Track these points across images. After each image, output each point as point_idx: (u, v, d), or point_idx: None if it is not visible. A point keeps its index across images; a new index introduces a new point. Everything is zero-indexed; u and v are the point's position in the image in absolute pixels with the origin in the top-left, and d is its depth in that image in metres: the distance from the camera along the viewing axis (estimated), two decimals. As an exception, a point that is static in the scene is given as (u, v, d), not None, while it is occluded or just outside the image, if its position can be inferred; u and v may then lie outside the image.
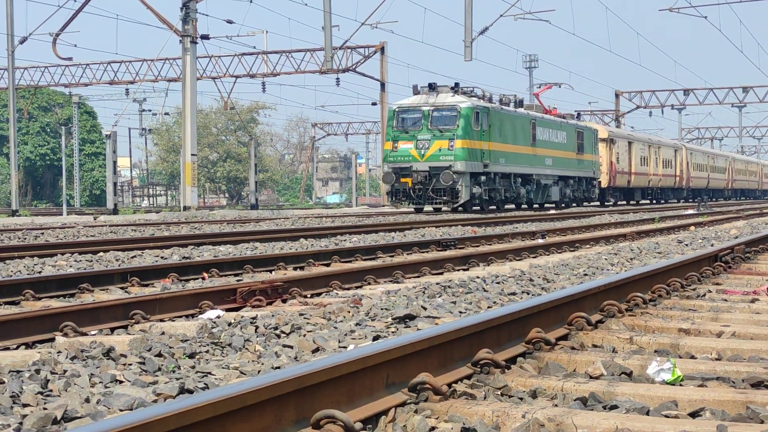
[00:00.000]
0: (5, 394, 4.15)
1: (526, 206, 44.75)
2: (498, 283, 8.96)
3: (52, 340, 6.07)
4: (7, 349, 5.76)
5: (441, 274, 10.88)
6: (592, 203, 51.17)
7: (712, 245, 13.09)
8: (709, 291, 7.84)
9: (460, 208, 36.64)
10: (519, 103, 43.09)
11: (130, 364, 4.97)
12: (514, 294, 8.08)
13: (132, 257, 12.27)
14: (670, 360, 4.44)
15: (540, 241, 16.93)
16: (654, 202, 62.66)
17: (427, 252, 14.23)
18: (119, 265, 10.94)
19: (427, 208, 37.22)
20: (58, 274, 8.99)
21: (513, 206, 43.73)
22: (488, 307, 7.07)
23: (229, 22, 47.45)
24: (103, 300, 7.44)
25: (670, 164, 62.53)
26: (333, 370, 3.24)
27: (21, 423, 3.59)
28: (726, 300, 7.28)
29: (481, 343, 4.32)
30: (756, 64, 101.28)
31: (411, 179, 35.55)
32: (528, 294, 8.06)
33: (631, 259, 12.33)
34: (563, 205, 46.60)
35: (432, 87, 37.25)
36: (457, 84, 38.06)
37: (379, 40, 49.80)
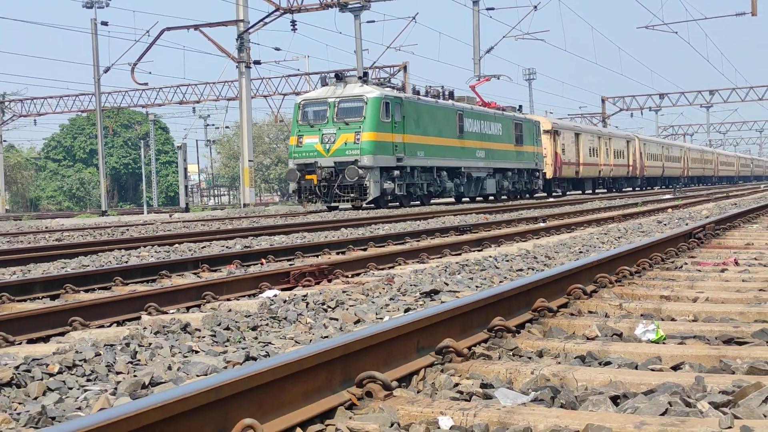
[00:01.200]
0: (102, 364, 4.18)
1: (454, 200, 36.87)
2: (507, 261, 8.93)
3: (139, 318, 6.12)
4: (101, 326, 5.80)
5: (459, 254, 10.86)
6: (535, 195, 42.51)
7: (686, 224, 12.97)
8: (686, 263, 7.79)
9: (372, 205, 29.03)
10: (450, 95, 34.67)
11: (204, 337, 4.98)
12: (521, 270, 8.05)
13: (202, 247, 12.32)
14: (654, 322, 4.43)
15: (542, 224, 16.83)
16: (607, 191, 54.72)
17: (447, 236, 14.21)
18: (192, 255, 10.98)
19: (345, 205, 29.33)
20: (141, 263, 9.05)
21: (444, 200, 36.39)
22: (500, 282, 7.06)
23: (277, 49, 48.23)
24: (179, 284, 7.47)
25: (622, 154, 55.35)
26: (372, 338, 3.25)
27: (116, 388, 3.63)
28: (700, 270, 7.23)
29: (495, 312, 4.32)
30: (720, 70, 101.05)
31: (316, 176, 28.14)
32: (533, 270, 8.03)
33: (619, 237, 12.24)
34: (504, 197, 38.73)
35: (339, 77, 29.64)
36: (365, 73, 30.83)
37: (402, 60, 49.91)
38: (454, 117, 33.41)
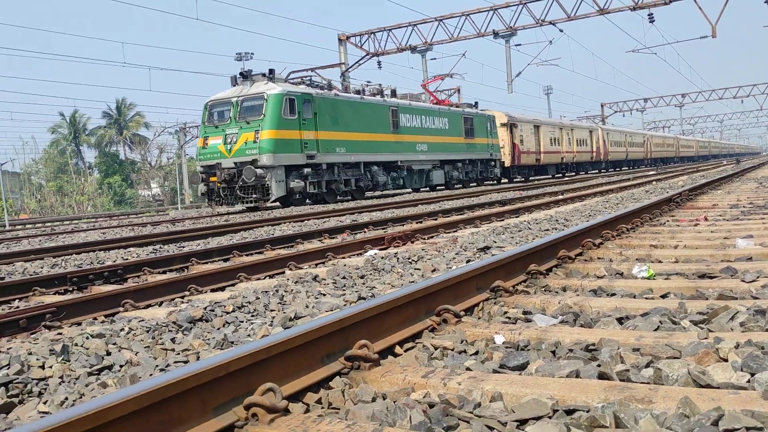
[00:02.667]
0: (260, 304, 4.28)
1: (390, 193, 29.28)
2: (537, 223, 8.80)
3: (283, 272, 6.22)
4: (258, 279, 5.94)
5: (502, 220, 10.73)
6: (492, 181, 34.76)
7: (667, 192, 12.54)
8: (668, 221, 7.54)
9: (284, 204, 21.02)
10: (393, 93, 26.77)
11: (327, 284, 5.03)
12: (548, 230, 7.93)
13: (323, 223, 12.46)
14: (646, 264, 4.31)
15: (560, 196, 16.50)
16: (575, 174, 46.58)
17: (492, 208, 14.06)
18: (316, 228, 11.12)
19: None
20: (283, 235, 9.19)
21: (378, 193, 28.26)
22: (533, 239, 6.97)
23: (368, 82, 47.70)
24: (309, 248, 7.59)
25: (585, 143, 47.17)
26: (446, 282, 3.25)
27: (272, 320, 3.71)
28: (678, 225, 7.00)
29: (530, 260, 4.27)
30: (689, 78, 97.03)
31: (217, 177, 20.33)
32: (556, 229, 7.90)
33: (617, 204, 11.92)
34: (459, 185, 30.68)
35: (245, 75, 21.39)
36: (271, 70, 21.41)
37: (456, 85, 49.38)
38: (387, 113, 25.10)
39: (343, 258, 6.96)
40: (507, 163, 35.22)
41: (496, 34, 32.70)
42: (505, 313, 3.31)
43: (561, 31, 32.72)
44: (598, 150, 50.14)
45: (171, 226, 14.33)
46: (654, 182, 21.77)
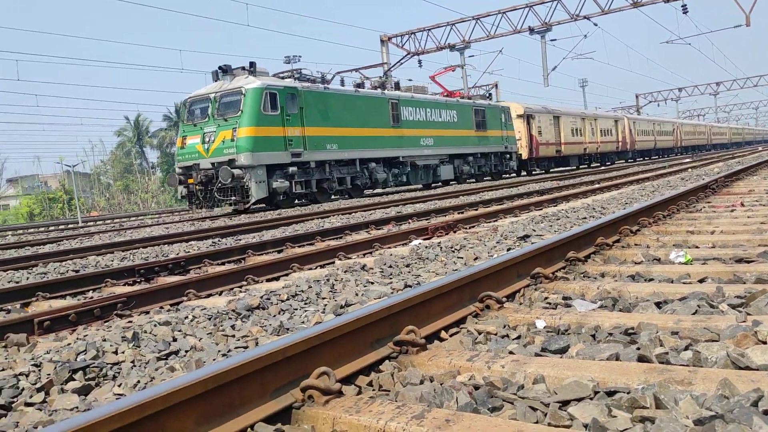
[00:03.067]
0: (312, 293, 4.32)
1: (392, 190, 26.51)
2: (575, 212, 8.66)
3: (333, 262, 6.27)
4: (310, 269, 5.99)
5: (541, 209, 10.60)
6: (510, 175, 31.60)
7: (703, 179, 12.18)
8: (704, 207, 7.33)
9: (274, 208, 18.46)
10: (396, 85, 24.14)
11: (375, 272, 5.04)
12: (585, 218, 7.79)
13: (369, 215, 12.51)
14: (683, 250, 4.21)
15: (597, 185, 16.18)
16: (600, 165, 42.56)
17: (531, 197, 13.89)
18: (363, 219, 11.16)
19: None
20: (332, 227, 9.26)
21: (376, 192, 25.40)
22: (571, 227, 6.86)
23: (409, 80, 47.60)
24: (357, 239, 7.63)
25: (610, 132, 43.39)
26: (488, 269, 3.23)
27: (324, 308, 3.74)
28: (715, 211, 6.80)
29: (569, 248, 4.21)
30: (723, 67, 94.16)
31: (194, 179, 17.83)
32: (593, 217, 7.76)
33: (653, 191, 11.64)
34: (472, 180, 27.98)
35: (225, 70, 18.67)
36: (252, 63, 18.66)
37: (494, 80, 48.82)
38: (386, 106, 22.25)
39: (389, 248, 6.97)
40: (524, 156, 32.31)
41: (532, 31, 32.19)
42: (546, 298, 3.28)
43: (595, 25, 32.04)
44: (624, 139, 46.67)
45: (228, 220, 14.58)
46: (689, 169, 21.17)
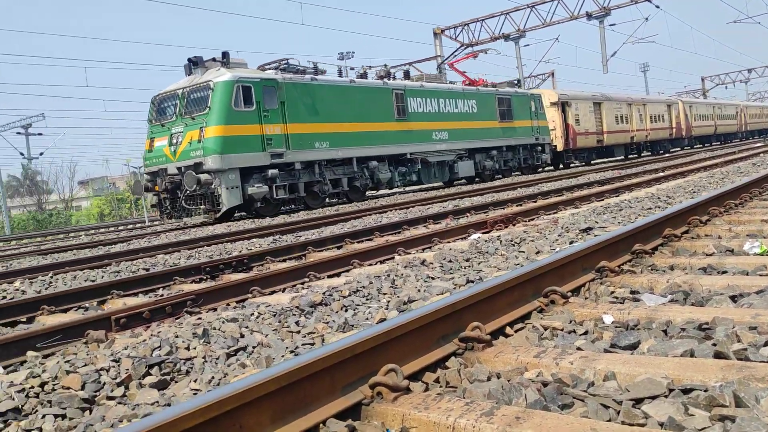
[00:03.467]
0: (373, 288, 4.34)
1: (399, 190, 23.82)
2: (638, 202, 8.42)
3: (393, 257, 6.28)
4: (370, 264, 6.03)
5: (602, 200, 10.35)
6: (543, 169, 28.44)
7: (776, 165, 11.64)
8: (778, 194, 7.01)
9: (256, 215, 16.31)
10: (387, 75, 20.70)
11: (435, 267, 5.02)
12: (650, 208, 7.56)
13: (427, 209, 12.49)
14: (758, 240, 4.04)
15: (661, 173, 15.69)
16: (652, 154, 39.12)
17: (591, 188, 13.58)
18: (421, 214, 11.15)
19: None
20: (390, 222, 9.30)
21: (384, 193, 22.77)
22: (636, 218, 6.68)
23: (463, 72, 47.09)
24: (415, 234, 7.63)
25: (661, 118, 39.12)
26: (551, 264, 3.18)
27: (387, 304, 3.76)
28: (790, 199, 6.50)
29: (635, 240, 4.10)
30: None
31: (159, 186, 15.78)
32: (659, 208, 7.53)
33: (722, 179, 11.20)
34: (498, 176, 24.98)
35: (195, 62, 16.40)
36: (225, 53, 16.28)
37: (550, 69, 47.90)
38: (389, 97, 19.67)
39: (448, 242, 6.95)
40: (559, 147, 29.08)
41: (589, 16, 31.37)
42: (612, 293, 3.21)
43: (657, 7, 30.96)
44: (678, 125, 42.54)
45: (287, 217, 14.82)
46: (761, 154, 20.26)
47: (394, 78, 20.90)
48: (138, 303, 4.54)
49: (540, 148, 27.03)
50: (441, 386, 2.16)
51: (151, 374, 2.91)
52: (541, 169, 28.00)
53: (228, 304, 4.70)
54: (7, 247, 18.26)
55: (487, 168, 23.82)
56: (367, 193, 19.88)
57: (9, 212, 39.81)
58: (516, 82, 27.94)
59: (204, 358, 3.10)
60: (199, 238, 10.22)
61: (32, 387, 2.72)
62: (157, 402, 2.36)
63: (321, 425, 1.79)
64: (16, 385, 2.72)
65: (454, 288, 3.96)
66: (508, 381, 2.05)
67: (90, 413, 2.51)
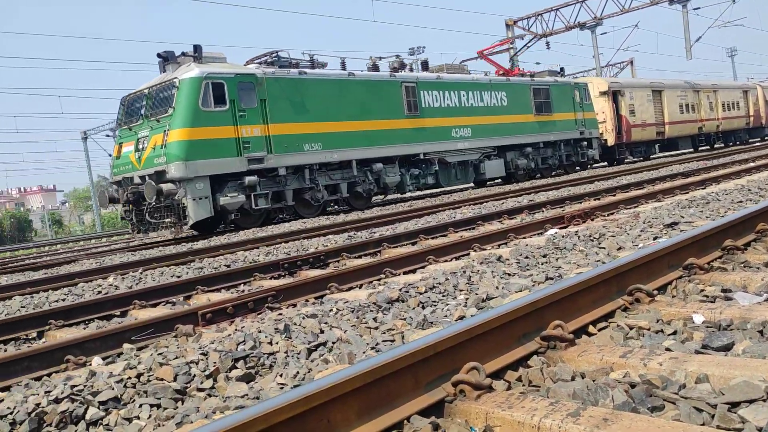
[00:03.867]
0: (449, 285, 4.33)
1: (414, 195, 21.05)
2: (727, 195, 8.02)
3: (468, 254, 6.25)
4: (445, 261, 6.01)
5: (687, 193, 9.92)
6: (589, 166, 25.16)
7: None
8: None
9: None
10: (401, 66, 18.60)
11: (512, 264, 4.97)
12: (740, 201, 7.20)
13: (502, 204, 12.35)
14: None
15: (751, 164, 14.89)
16: (724, 145, 35.13)
17: (675, 180, 13.04)
18: (495, 210, 11.03)
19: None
20: (464, 218, 9.23)
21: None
22: (725, 212, 6.37)
23: (537, 63, 46.14)
24: (490, 230, 7.56)
25: (736, 106, 34.70)
26: (636, 261, 3.09)
27: (465, 301, 3.75)
28: None
29: (725, 235, 3.92)
30: None
31: (121, 197, 14.14)
32: (750, 201, 7.15)
33: (820, 169, 10.52)
34: (538, 175, 22.72)
35: (165, 58, 14.64)
36: (196, 47, 14.44)
37: (629, 57, 46.30)
38: (398, 92, 17.52)
39: (524, 238, 6.85)
40: (610, 141, 26.10)
41: (671, 0, 30.09)
42: (702, 291, 3.08)
43: (744, -12, 29.29)
44: (757, 113, 37.85)
45: (361, 213, 14.98)
46: None
47: (411, 70, 18.91)
48: (222, 299, 4.71)
49: (586, 142, 24.22)
50: (524, 385, 2.14)
51: (237, 368, 3.02)
52: (589, 167, 25.11)
53: (307, 300, 4.81)
54: (99, 244, 19.32)
55: (521, 167, 21.30)
56: (372, 199, 17.73)
57: (100, 211, 42.00)
58: (559, 70, 24.78)
59: (286, 352, 3.18)
60: (276, 234, 10.48)
61: (129, 378, 2.87)
62: (247, 395, 2.45)
63: (405, 422, 1.82)
64: (114, 375, 2.88)
65: (533, 285, 3.91)
66: (594, 381, 2.01)
67: (182, 404, 2.63)
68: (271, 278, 6.22)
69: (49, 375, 3.55)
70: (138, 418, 2.53)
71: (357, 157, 16.28)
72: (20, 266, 11.20)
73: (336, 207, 16.99)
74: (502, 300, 3.48)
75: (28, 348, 4.24)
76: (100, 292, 6.30)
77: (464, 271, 4.76)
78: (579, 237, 5.84)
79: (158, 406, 2.62)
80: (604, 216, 7.92)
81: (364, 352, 2.87)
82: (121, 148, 14.36)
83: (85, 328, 4.85)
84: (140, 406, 2.59)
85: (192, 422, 2.19)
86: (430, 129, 18.28)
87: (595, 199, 10.75)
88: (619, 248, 4.95)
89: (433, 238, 7.91)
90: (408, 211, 12.58)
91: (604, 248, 5.02)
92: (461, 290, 4.21)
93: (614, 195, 11.21)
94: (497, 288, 3.93)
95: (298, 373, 2.65)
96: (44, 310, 4.98)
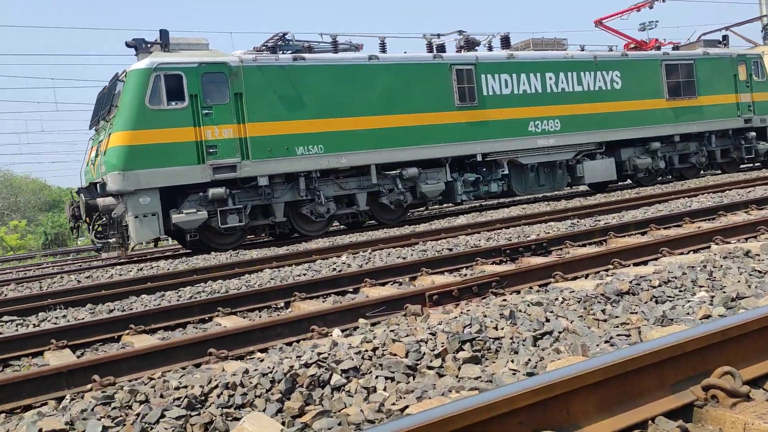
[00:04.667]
0: (687, 280, 3.99)
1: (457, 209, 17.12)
2: None
3: (709, 247, 5.71)
4: (681, 253, 5.56)
5: None
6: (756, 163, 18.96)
7: None
8: None
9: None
10: (440, 48, 14.06)
11: (763, 260, 4.45)
12: None
13: (748, 192, 10.97)
14: None
15: None
16: None
17: None
18: (741, 198, 9.86)
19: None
20: (702, 207, 8.40)
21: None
22: None
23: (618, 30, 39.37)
24: (734, 221, 6.81)
25: None
26: None
27: (711, 298, 3.43)
28: None
29: None
30: None
31: (66, 210, 12.10)
32: None
33: None
34: (669, 176, 17.62)
35: (135, 46, 11.61)
36: (163, 32, 11.52)
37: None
38: (446, 77, 13.64)
39: None
40: None
41: None
42: None
43: None
44: None
45: (583, 200, 14.38)
46: None
47: (490, 49, 14.98)
48: (447, 281, 4.86)
49: (754, 133, 18.06)
50: (788, 398, 1.91)
51: (463, 350, 3.10)
52: (760, 163, 19.08)
53: (530, 288, 4.76)
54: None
55: (640, 167, 16.18)
56: (409, 212, 14.59)
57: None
58: (722, 39, 18.60)
59: (512, 338, 3.19)
60: (496, 219, 10.50)
61: (366, 350, 3.10)
62: (480, 377, 2.51)
63: (650, 422, 1.73)
64: (353, 347, 3.13)
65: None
66: None
67: (413, 379, 2.78)
68: (492, 263, 6.26)
69: (297, 342, 3.96)
70: (375, 389, 2.72)
71: (377, 161, 12.84)
72: (265, 242, 12.57)
73: (348, 220, 13.59)
74: (757, 300, 3.12)
75: (277, 316, 4.78)
76: (335, 269, 6.85)
77: (704, 266, 4.37)
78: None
79: (392, 379, 2.79)
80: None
81: (597, 345, 2.78)
82: (90, 153, 12.66)
83: (323, 301, 5.33)
84: (377, 377, 2.79)
85: (430, 398, 2.30)
86: (494, 123, 14.24)
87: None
88: None
89: (665, 228, 7.35)
90: (635, 199, 11.79)
91: None
92: (701, 286, 3.87)
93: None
94: (749, 287, 3.53)
95: (529, 360, 2.65)
96: (290, 283, 5.56)
